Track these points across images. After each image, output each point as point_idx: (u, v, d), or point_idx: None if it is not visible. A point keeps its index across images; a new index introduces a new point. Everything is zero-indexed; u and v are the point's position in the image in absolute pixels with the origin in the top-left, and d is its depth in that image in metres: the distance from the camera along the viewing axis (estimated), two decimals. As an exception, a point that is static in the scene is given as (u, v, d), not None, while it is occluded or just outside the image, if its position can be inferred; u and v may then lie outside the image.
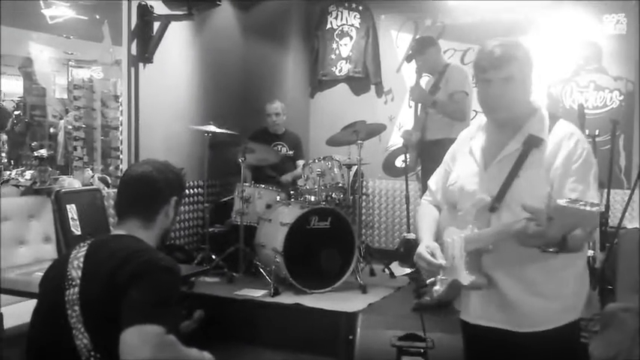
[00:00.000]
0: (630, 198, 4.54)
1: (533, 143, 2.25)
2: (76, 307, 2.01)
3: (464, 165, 2.44)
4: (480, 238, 2.22)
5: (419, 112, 5.55)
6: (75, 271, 2.08)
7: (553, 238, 1.92)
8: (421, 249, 2.38)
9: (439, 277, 2.40)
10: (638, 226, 5.55)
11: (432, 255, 2.33)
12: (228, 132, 5.72)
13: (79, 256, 2.12)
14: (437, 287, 2.41)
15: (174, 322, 2.04)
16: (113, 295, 1.95)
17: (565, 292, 2.30)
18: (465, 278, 2.24)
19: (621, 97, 6.31)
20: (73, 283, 2.05)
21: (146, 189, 2.25)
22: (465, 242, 2.26)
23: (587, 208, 1.78)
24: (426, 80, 5.62)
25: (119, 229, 2.25)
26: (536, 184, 2.20)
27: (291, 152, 6.50)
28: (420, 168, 5.76)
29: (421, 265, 2.37)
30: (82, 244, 2.19)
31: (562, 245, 1.97)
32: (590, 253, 5.19)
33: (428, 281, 2.45)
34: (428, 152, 5.34)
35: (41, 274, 2.27)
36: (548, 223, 1.86)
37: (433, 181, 2.63)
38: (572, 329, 2.34)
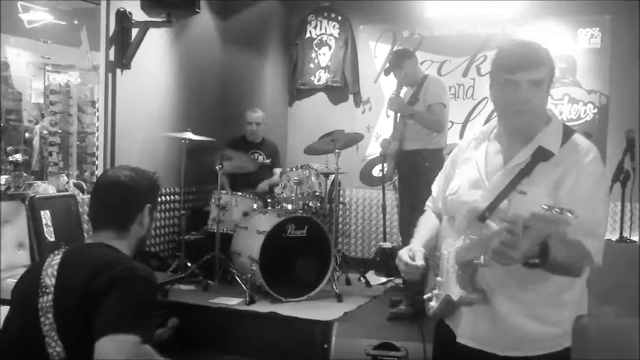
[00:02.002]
0: (603, 210, 4.61)
1: (541, 157, 2.10)
2: (50, 315, 1.99)
3: (466, 174, 2.29)
4: (469, 249, 2.09)
5: (397, 122, 5.58)
6: (49, 278, 2.05)
7: (527, 249, 1.78)
8: (402, 251, 2.27)
9: (435, 292, 2.30)
10: (611, 238, 5.63)
11: (412, 258, 2.22)
12: (205, 139, 5.70)
13: (53, 263, 2.09)
14: (432, 303, 2.32)
15: (151, 331, 1.99)
16: (88, 304, 1.93)
17: (562, 318, 2.17)
18: (456, 293, 2.14)
19: (595, 110, 6.41)
20: (47, 290, 2.03)
21: (119, 198, 2.20)
22: (456, 254, 2.16)
23: (561, 214, 1.67)
24: (404, 90, 5.66)
25: (94, 238, 2.21)
26: (538, 199, 1.99)
27: (268, 160, 6.50)
28: (397, 177, 5.80)
29: (400, 267, 2.25)
30: (56, 252, 2.16)
31: (543, 256, 1.85)
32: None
33: (425, 297, 2.35)
34: (405, 162, 5.38)
35: (14, 280, 2.24)
36: (523, 231, 1.72)
37: (435, 188, 2.52)
38: (562, 356, 2.17)
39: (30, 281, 2.10)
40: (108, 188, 2.21)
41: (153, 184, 2.29)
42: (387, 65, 5.85)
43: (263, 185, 6.36)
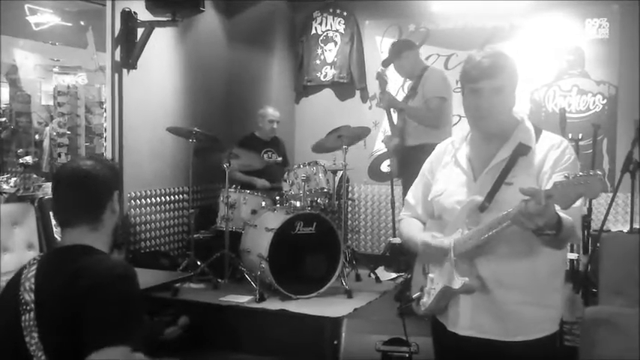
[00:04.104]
0: (612, 201, 4.58)
1: (521, 151, 2.27)
2: (35, 334, 1.90)
3: (450, 176, 2.42)
4: (471, 237, 2.20)
5: (395, 118, 5.52)
6: (27, 294, 1.96)
7: (553, 216, 1.95)
8: (426, 238, 2.34)
9: (426, 288, 2.37)
10: (622, 229, 5.60)
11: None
12: (207, 133, 5.67)
13: (29, 276, 2.00)
14: (424, 300, 2.38)
15: (139, 332, 1.92)
16: (71, 319, 1.86)
17: (556, 300, 2.33)
18: (456, 282, 2.21)
19: (604, 101, 6.36)
20: (28, 307, 1.94)
21: (87, 190, 2.08)
22: (454, 246, 2.25)
23: (589, 174, 1.86)
24: (406, 84, 5.60)
25: (66, 238, 2.09)
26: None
27: (280, 159, 6.50)
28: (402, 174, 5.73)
29: (429, 251, 2.33)
30: (31, 262, 2.07)
31: (558, 228, 2.00)
32: (574, 256, 5.24)
33: (414, 296, 2.43)
34: (410, 158, 5.28)
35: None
36: (547, 200, 1.89)
37: (411, 196, 2.61)
38: (556, 337, 2.35)
39: (10, 298, 2.00)
40: (73, 182, 2.08)
41: (115, 170, 2.20)
42: (387, 56, 5.72)
43: (262, 182, 6.30)
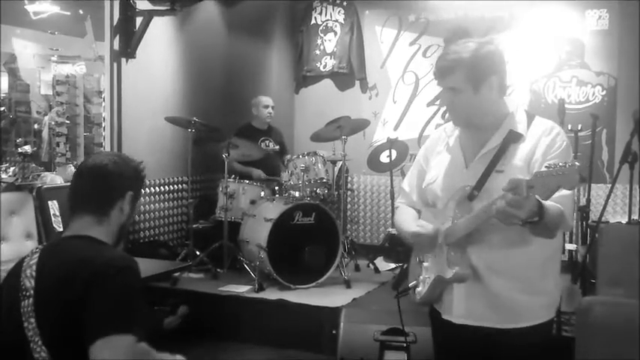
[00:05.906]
0: (611, 192, 4.57)
1: (512, 139, 2.26)
2: (32, 320, 1.91)
3: (442, 163, 2.42)
4: (460, 227, 2.20)
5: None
6: (28, 280, 1.97)
7: (534, 204, 1.94)
8: (414, 228, 2.33)
9: (421, 277, 2.38)
10: (620, 221, 5.60)
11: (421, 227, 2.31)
12: (206, 123, 5.66)
13: (31, 264, 2.00)
14: (419, 289, 2.39)
15: (142, 324, 1.92)
16: (69, 307, 1.86)
17: (549, 287, 2.32)
18: (448, 271, 2.22)
19: (603, 93, 6.35)
20: (27, 294, 1.94)
21: (99, 181, 2.09)
22: (445, 235, 2.26)
23: (567, 165, 1.84)
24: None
25: (72, 227, 2.10)
26: (515, 176, 2.07)
27: (277, 147, 6.48)
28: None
29: (417, 240, 2.33)
30: (34, 250, 2.08)
31: (540, 214, 1.99)
32: (573, 247, 5.24)
33: (410, 285, 2.44)
34: None
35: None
36: (528, 191, 1.88)
37: (406, 183, 2.61)
38: (552, 325, 2.37)
39: (12, 283, 2.01)
40: (89, 172, 2.11)
41: (137, 172, 2.18)
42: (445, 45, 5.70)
43: (258, 173, 6.28)
